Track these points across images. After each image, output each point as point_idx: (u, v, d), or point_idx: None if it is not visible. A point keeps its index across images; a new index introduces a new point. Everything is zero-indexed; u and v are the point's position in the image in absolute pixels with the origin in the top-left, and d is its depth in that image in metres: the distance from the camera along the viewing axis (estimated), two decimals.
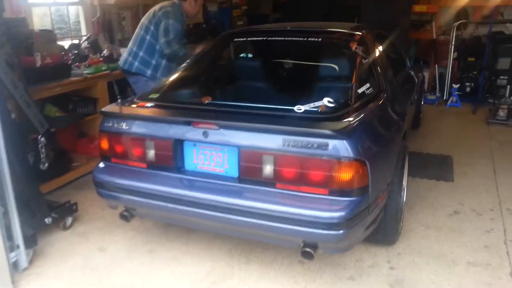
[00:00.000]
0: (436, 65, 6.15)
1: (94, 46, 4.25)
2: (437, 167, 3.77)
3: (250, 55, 3.21)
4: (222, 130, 2.04)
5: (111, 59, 4.14)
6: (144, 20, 3.54)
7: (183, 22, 3.52)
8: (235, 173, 2.10)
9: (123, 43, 4.85)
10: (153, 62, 3.47)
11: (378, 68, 2.68)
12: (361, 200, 1.92)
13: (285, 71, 3.52)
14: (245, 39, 3.17)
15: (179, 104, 2.37)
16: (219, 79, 3.17)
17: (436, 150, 4.20)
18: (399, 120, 2.62)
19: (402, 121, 2.67)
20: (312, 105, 2.16)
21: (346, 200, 1.90)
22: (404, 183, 2.73)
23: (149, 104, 2.39)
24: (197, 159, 2.19)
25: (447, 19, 6.33)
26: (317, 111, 2.13)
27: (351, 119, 2.00)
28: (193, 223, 2.31)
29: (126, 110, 2.33)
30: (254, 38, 3.20)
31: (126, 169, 2.33)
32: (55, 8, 4.49)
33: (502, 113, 5.05)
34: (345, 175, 1.88)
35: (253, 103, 2.26)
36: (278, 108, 2.19)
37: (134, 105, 2.40)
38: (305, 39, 2.80)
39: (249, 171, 2.05)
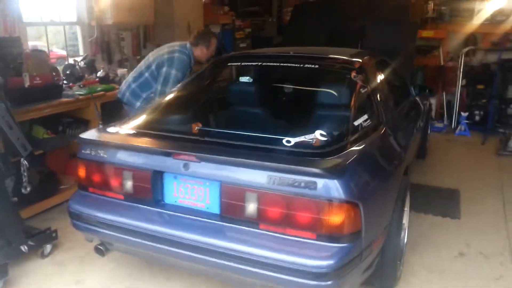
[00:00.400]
0: (444, 92, 5.97)
1: (91, 66, 4.17)
2: (443, 202, 3.55)
3: (242, 81, 3.06)
4: (203, 163, 1.88)
5: (107, 80, 4.06)
6: (150, 56, 3.45)
7: (189, 67, 3.38)
8: (216, 209, 1.93)
9: (122, 63, 4.78)
10: (144, 95, 3.37)
11: (378, 97, 2.50)
12: (352, 246, 1.73)
13: (278, 100, 3.36)
14: (239, 63, 3.04)
15: (162, 132, 2.22)
16: (207, 106, 3.03)
17: (442, 183, 3.97)
18: (400, 155, 2.43)
19: (403, 155, 2.47)
20: (302, 138, 1.99)
21: (336, 247, 1.70)
22: (405, 222, 2.52)
23: (130, 132, 2.25)
24: (178, 192, 2.03)
25: (455, 45, 6.19)
26: (308, 144, 1.96)
27: (344, 155, 1.82)
28: (171, 262, 2.12)
29: (104, 137, 2.19)
30: (248, 64, 3.07)
31: (103, 200, 2.17)
32: (68, 26, 4.46)
33: None
34: (335, 218, 1.70)
35: (241, 133, 2.11)
36: (266, 139, 2.02)
37: (114, 132, 2.25)
38: (301, 65, 2.65)
39: (231, 208, 1.88)
